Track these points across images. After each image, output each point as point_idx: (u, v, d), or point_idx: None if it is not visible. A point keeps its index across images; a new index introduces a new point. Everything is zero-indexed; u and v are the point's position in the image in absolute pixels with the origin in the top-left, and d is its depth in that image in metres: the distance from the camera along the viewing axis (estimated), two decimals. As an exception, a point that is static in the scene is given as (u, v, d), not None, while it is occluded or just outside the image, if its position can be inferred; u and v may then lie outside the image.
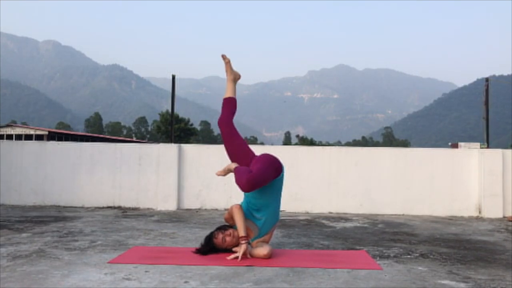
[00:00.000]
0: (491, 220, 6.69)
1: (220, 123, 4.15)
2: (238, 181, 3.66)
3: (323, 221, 6.19)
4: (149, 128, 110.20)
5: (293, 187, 7.13)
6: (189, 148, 7.54)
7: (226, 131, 4.09)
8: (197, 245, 3.95)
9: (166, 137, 62.57)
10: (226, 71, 4.31)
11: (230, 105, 4.22)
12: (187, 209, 7.28)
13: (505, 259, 3.93)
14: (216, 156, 7.25)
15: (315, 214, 7.04)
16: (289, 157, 7.10)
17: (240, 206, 3.80)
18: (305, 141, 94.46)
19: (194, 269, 3.31)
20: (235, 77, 4.34)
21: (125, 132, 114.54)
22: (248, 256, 3.65)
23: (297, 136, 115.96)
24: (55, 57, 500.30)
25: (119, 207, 7.34)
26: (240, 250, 3.61)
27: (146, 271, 3.22)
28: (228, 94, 4.26)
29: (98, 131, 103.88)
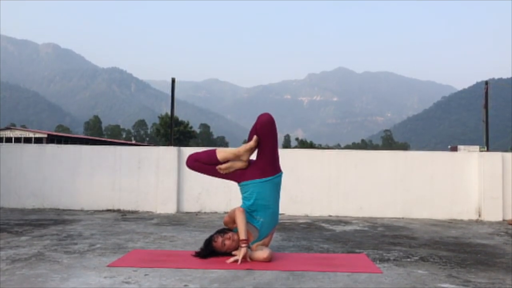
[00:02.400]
0: (491, 223, 6.69)
1: (188, 159, 4.05)
2: (261, 119, 3.76)
3: (323, 224, 6.18)
4: (149, 131, 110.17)
5: (293, 190, 7.13)
6: (189, 151, 7.52)
7: (196, 169, 4.03)
8: (197, 248, 3.94)
9: (166, 140, 62.58)
10: (247, 148, 3.85)
11: (209, 155, 3.97)
12: (186, 212, 7.27)
13: (505, 262, 3.92)
14: (215, 159, 7.24)
15: (315, 217, 7.04)
16: (289, 160, 7.10)
17: (244, 209, 3.78)
18: (304, 144, 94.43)
19: (194, 272, 3.30)
20: (239, 155, 3.90)
21: (124, 135, 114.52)
22: (248, 259, 3.64)
23: (297, 139, 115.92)
24: (55, 60, 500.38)
25: (118, 210, 7.34)
26: (240, 253, 3.61)
27: (145, 275, 3.21)
28: (219, 151, 3.99)
29: (97, 134, 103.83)
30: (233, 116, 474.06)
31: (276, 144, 3.89)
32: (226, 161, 3.91)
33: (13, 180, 7.54)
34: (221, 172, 3.92)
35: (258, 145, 3.86)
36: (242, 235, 3.66)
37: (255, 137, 3.81)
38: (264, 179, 3.82)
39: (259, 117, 3.82)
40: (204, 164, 3.98)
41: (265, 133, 3.79)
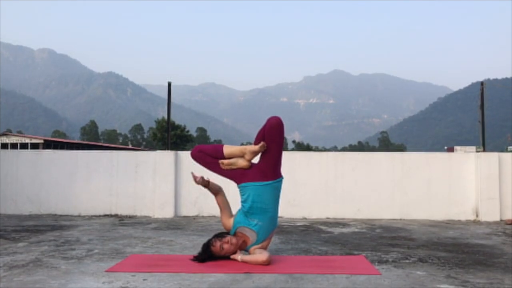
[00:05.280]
0: (489, 224, 6.70)
1: (193, 150, 4.13)
2: (271, 121, 3.81)
3: (321, 227, 6.18)
4: (145, 135, 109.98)
5: (290, 193, 7.12)
6: (186, 155, 7.52)
7: (199, 161, 4.06)
8: (195, 252, 3.94)
9: (163, 144, 62.47)
10: (252, 150, 3.86)
11: (215, 148, 4.03)
12: (184, 216, 7.26)
13: (503, 262, 3.93)
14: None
15: (313, 219, 7.04)
16: (286, 163, 7.06)
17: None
18: (301, 147, 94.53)
19: (192, 276, 3.30)
20: (244, 153, 3.91)
21: (121, 139, 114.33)
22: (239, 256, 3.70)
23: (294, 141, 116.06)
24: (51, 65, 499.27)
25: (116, 215, 7.32)
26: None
27: (144, 279, 3.20)
28: (226, 146, 4.00)
29: (94, 139, 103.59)
30: (230, 120, 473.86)
31: (281, 149, 3.90)
32: (230, 157, 3.92)
33: (9, 186, 7.51)
34: (223, 167, 3.93)
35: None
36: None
37: (262, 143, 3.81)
38: (264, 182, 3.82)
39: (269, 120, 3.84)
40: (208, 156, 4.00)
41: (273, 136, 3.81)
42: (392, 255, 4.18)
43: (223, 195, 4.05)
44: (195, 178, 4.01)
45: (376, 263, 3.82)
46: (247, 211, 3.81)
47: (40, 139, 58.00)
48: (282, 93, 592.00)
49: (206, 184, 3.99)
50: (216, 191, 4.04)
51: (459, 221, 7.04)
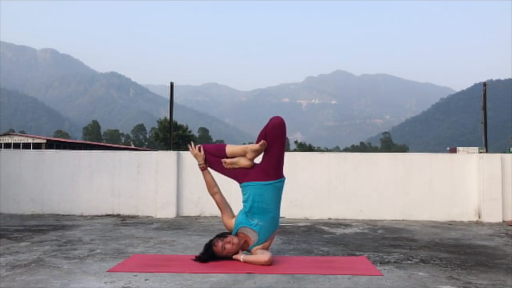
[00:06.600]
0: (491, 225, 6.69)
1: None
2: (273, 121, 3.82)
3: (323, 227, 6.18)
4: (148, 136, 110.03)
5: (292, 194, 7.11)
6: (188, 155, 7.52)
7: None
8: (197, 252, 3.94)
9: (165, 144, 62.52)
10: (253, 148, 3.87)
11: (218, 147, 4.07)
12: (186, 217, 7.26)
13: (506, 263, 3.92)
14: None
15: (315, 220, 7.03)
16: (287, 163, 7.07)
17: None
18: (303, 147, 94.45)
19: (194, 277, 3.30)
20: (246, 152, 3.91)
21: (123, 139, 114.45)
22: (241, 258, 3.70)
23: (296, 142, 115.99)
24: (53, 65, 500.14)
25: (118, 215, 7.32)
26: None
27: (146, 280, 3.20)
28: (229, 145, 4.02)
29: (96, 139, 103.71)
30: (232, 120, 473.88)
31: (283, 149, 3.91)
32: (232, 156, 3.93)
33: (12, 186, 7.52)
34: (225, 166, 3.94)
35: (265, 149, 3.88)
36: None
37: (262, 141, 3.82)
38: (265, 182, 3.82)
39: (271, 119, 3.86)
40: (211, 155, 4.03)
41: (274, 136, 3.81)
42: (394, 256, 4.18)
43: (221, 194, 4.04)
44: (192, 149, 4.10)
45: (378, 264, 3.81)
46: (248, 211, 3.81)
47: (43, 139, 58.07)
48: (284, 93, 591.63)
49: (200, 156, 4.04)
50: (211, 184, 4.02)
51: (461, 222, 7.03)
